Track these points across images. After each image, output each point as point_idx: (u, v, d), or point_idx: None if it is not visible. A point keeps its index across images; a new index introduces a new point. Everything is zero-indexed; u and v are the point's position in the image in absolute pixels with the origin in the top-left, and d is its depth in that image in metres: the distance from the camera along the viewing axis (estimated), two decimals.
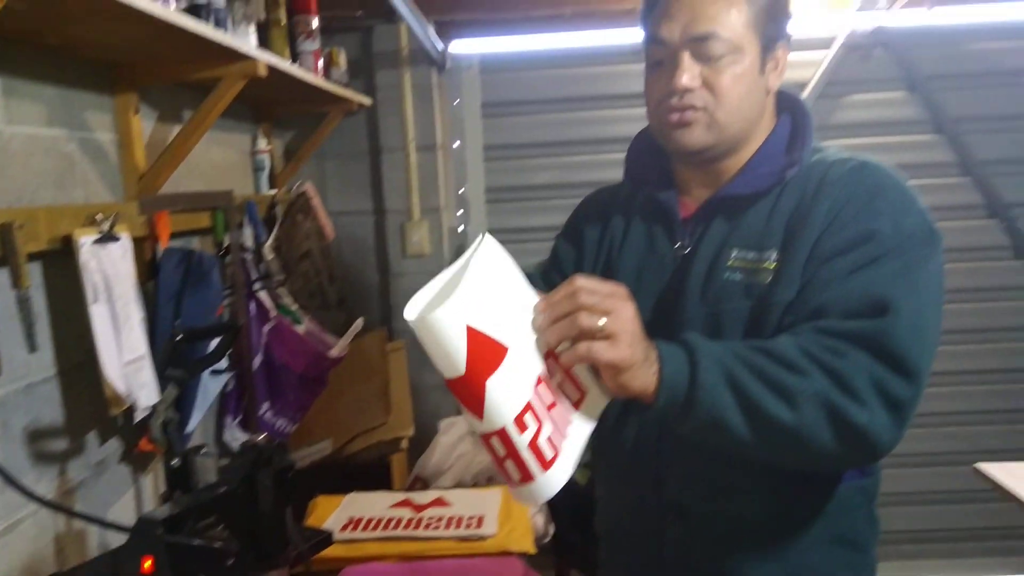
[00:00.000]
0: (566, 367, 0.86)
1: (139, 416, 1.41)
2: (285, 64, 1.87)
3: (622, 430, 1.11)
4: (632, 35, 2.60)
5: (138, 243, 1.53)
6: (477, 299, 0.78)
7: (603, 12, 2.61)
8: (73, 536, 1.39)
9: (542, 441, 0.81)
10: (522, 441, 0.80)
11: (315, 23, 2.17)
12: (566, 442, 0.85)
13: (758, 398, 0.87)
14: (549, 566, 2.24)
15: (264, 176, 2.40)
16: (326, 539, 1.17)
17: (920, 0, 2.46)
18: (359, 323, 2.25)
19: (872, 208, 0.98)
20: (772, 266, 1.00)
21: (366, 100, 2.59)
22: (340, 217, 2.73)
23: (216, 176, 2.12)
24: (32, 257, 1.27)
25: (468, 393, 0.79)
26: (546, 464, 0.81)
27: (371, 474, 2.18)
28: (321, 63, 2.23)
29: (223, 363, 1.47)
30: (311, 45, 2.16)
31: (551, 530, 2.12)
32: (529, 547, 1.66)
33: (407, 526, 1.71)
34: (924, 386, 0.92)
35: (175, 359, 1.23)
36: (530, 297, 0.87)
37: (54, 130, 1.41)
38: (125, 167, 1.61)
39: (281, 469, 1.06)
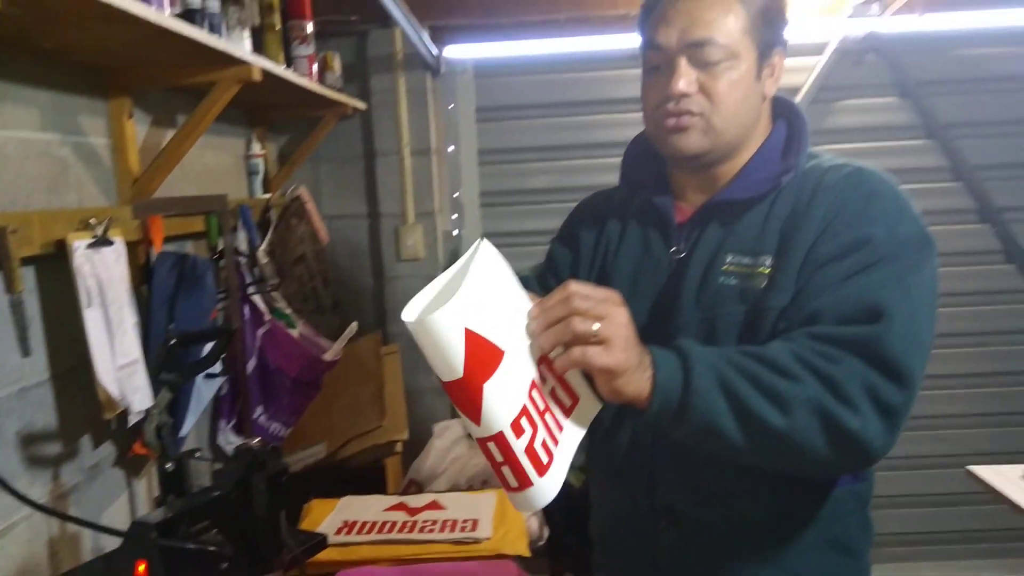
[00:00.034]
0: (560, 372, 0.86)
1: (133, 420, 1.41)
2: (279, 69, 1.88)
3: (616, 435, 1.12)
4: (626, 40, 2.62)
5: (132, 247, 1.52)
6: (476, 302, 0.79)
7: (597, 18, 2.63)
8: (67, 540, 1.39)
9: (538, 446, 0.81)
10: (519, 446, 0.80)
11: (309, 28, 2.18)
12: (559, 448, 0.85)
13: (751, 404, 0.87)
14: (543, 569, 2.25)
15: (258, 180, 2.40)
16: (320, 543, 1.17)
17: (912, 6, 2.48)
18: (353, 327, 2.25)
19: (867, 214, 0.98)
20: (767, 271, 1.01)
21: (361, 104, 2.60)
22: (334, 221, 2.74)
23: (210, 180, 2.12)
24: (26, 261, 1.27)
25: (465, 397, 0.79)
26: (542, 469, 0.82)
27: (365, 478, 2.18)
28: (316, 67, 2.23)
29: (217, 367, 1.47)
30: (306, 50, 2.17)
31: (546, 533, 2.12)
32: (524, 550, 1.66)
33: (401, 529, 1.71)
34: (917, 392, 0.92)
35: (169, 363, 1.23)
36: (525, 302, 0.87)
37: (48, 134, 1.41)
38: (119, 171, 1.61)
39: (275, 473, 1.06)
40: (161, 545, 0.92)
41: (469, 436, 2.37)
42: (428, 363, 0.79)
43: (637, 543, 1.13)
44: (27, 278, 1.30)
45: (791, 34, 1.10)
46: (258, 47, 1.90)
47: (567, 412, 0.88)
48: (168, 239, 1.67)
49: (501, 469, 0.82)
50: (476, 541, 1.65)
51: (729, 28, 1.01)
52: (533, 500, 0.82)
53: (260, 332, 2.04)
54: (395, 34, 2.64)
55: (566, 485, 0.85)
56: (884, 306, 0.92)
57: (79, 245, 1.32)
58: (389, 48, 2.67)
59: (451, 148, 2.83)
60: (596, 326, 0.83)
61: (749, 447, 0.89)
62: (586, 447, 0.90)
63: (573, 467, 0.86)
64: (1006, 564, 2.86)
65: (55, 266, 1.33)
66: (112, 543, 1.00)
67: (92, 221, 1.37)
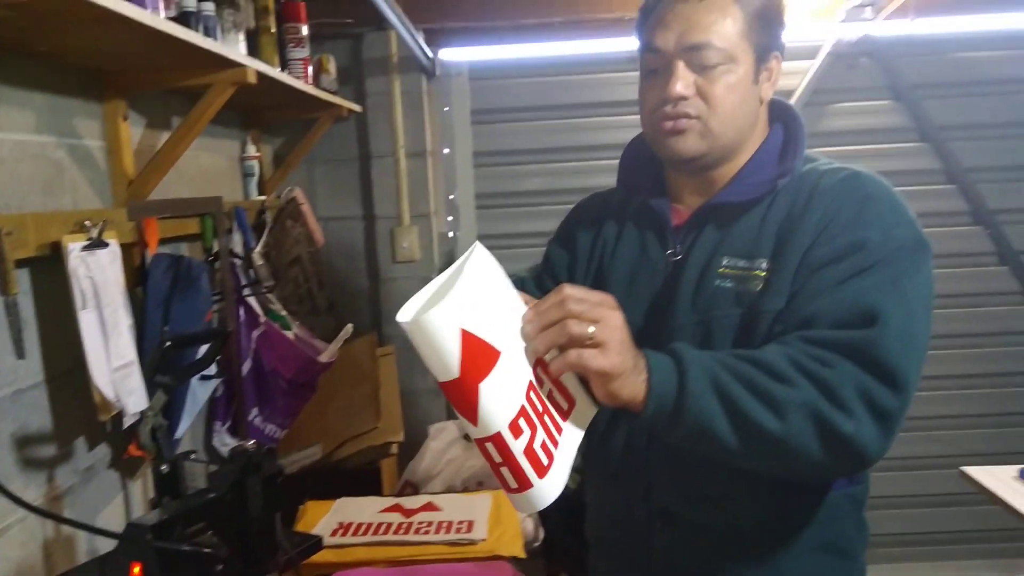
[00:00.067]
0: (555, 375, 0.86)
1: (128, 422, 1.41)
2: (274, 71, 1.88)
3: (611, 437, 1.12)
4: (620, 44, 2.63)
5: (127, 249, 1.53)
6: (471, 302, 0.79)
7: (591, 21, 2.63)
8: (62, 542, 1.39)
9: (537, 447, 0.81)
10: (517, 447, 0.80)
11: (304, 30, 2.18)
12: (559, 450, 0.85)
13: (746, 407, 0.87)
14: (539, 571, 2.24)
15: (253, 182, 2.40)
16: (315, 544, 1.18)
17: (904, 10, 2.49)
18: (349, 328, 2.25)
19: (862, 218, 0.99)
20: (762, 274, 1.01)
21: (356, 107, 2.60)
22: (330, 222, 2.74)
23: (205, 182, 2.12)
24: (20, 263, 1.27)
25: (462, 397, 0.79)
26: (543, 471, 0.82)
27: (361, 479, 2.18)
28: (311, 70, 2.23)
29: (212, 369, 1.47)
30: (301, 52, 2.17)
31: (541, 534, 2.12)
32: (519, 551, 1.66)
33: (397, 531, 1.72)
34: (912, 396, 0.92)
35: (164, 365, 1.23)
36: (520, 305, 0.88)
37: (43, 136, 1.41)
38: (114, 173, 1.61)
39: (270, 475, 1.06)
40: (156, 547, 0.92)
41: (465, 438, 2.38)
42: (424, 364, 0.79)
43: (632, 545, 1.14)
44: (22, 280, 1.30)
45: (787, 38, 1.10)
46: (253, 50, 1.90)
47: (565, 415, 0.88)
48: (163, 241, 1.67)
49: (500, 470, 0.82)
50: (472, 543, 1.65)
51: (727, 32, 1.01)
52: (533, 501, 0.82)
53: (255, 334, 2.04)
54: (390, 37, 2.65)
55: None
56: (879, 310, 0.92)
57: (74, 247, 1.32)
58: (384, 51, 2.67)
59: (446, 150, 2.83)
60: (591, 329, 0.83)
61: (743, 451, 0.90)
62: (582, 449, 0.90)
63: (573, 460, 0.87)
64: (1000, 564, 2.87)
65: (50, 268, 1.32)
66: (107, 545, 1.00)
67: (87, 223, 1.37)
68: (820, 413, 0.88)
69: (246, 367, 2.01)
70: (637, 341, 0.90)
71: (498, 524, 1.73)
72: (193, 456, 1.16)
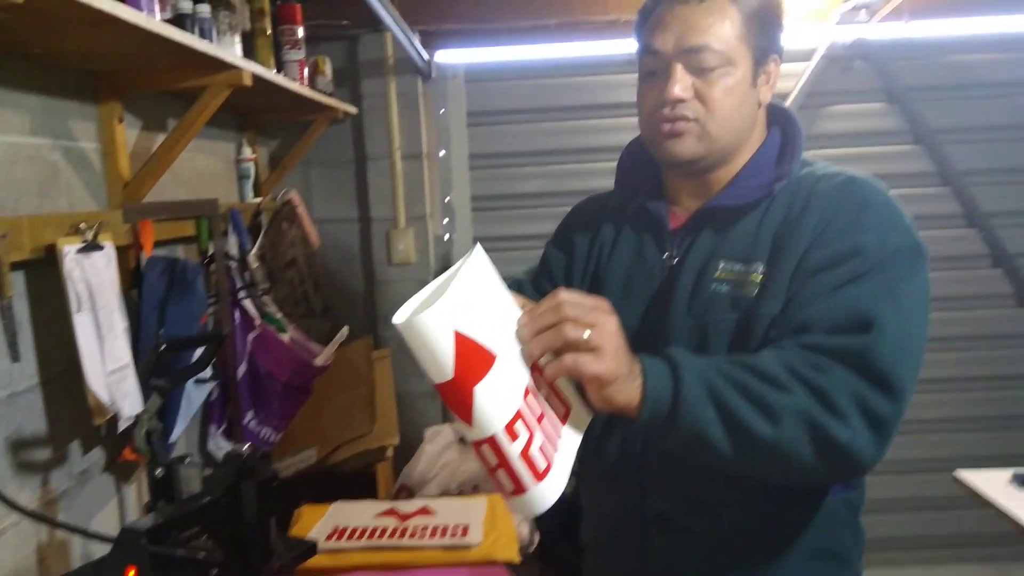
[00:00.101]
0: (550, 380, 0.86)
1: (123, 426, 1.40)
2: (270, 73, 1.88)
3: (607, 441, 1.12)
4: (615, 46, 2.63)
5: (122, 252, 1.52)
6: (465, 305, 0.79)
7: (587, 23, 2.64)
8: (56, 546, 1.38)
9: (534, 451, 0.81)
10: (513, 450, 0.80)
11: (300, 32, 2.18)
12: (557, 454, 0.85)
13: (740, 414, 0.87)
14: (534, 575, 2.24)
15: (249, 184, 2.40)
16: (310, 549, 1.17)
17: (898, 13, 2.50)
18: (344, 331, 2.25)
19: (859, 223, 0.99)
20: (759, 279, 1.01)
21: (352, 109, 2.60)
22: (325, 225, 2.74)
23: (201, 184, 2.11)
24: (15, 266, 1.27)
25: (457, 399, 0.79)
26: (539, 475, 0.81)
27: (356, 483, 2.18)
28: (306, 72, 2.23)
29: (207, 372, 1.47)
30: (296, 54, 2.17)
31: (536, 539, 2.12)
32: (514, 556, 1.66)
33: (392, 535, 1.71)
34: (907, 403, 0.92)
35: (159, 368, 1.23)
36: (515, 309, 0.88)
37: (38, 139, 1.40)
38: (109, 176, 1.60)
39: (265, 479, 1.06)
40: (151, 551, 0.92)
41: (461, 441, 2.38)
42: (420, 365, 0.79)
43: (628, 550, 1.14)
44: (17, 283, 1.29)
45: (785, 41, 1.10)
46: (249, 52, 1.90)
47: (562, 420, 0.88)
48: (158, 243, 1.67)
49: (496, 473, 0.82)
50: (467, 547, 1.65)
51: (725, 35, 1.01)
52: (531, 505, 0.82)
53: (251, 337, 2.04)
54: (386, 39, 2.65)
55: None
56: (875, 316, 0.92)
57: (69, 250, 1.32)
58: (380, 53, 2.67)
59: (442, 152, 2.83)
60: (587, 333, 0.83)
61: (738, 457, 0.89)
62: (578, 453, 0.90)
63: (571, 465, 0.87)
64: (993, 569, 2.87)
65: (45, 271, 1.32)
66: (101, 549, 0.99)
67: (82, 226, 1.37)
68: (815, 420, 0.88)
69: (241, 370, 2.01)
70: (633, 345, 0.90)
71: (493, 528, 1.73)
72: (188, 460, 1.16)
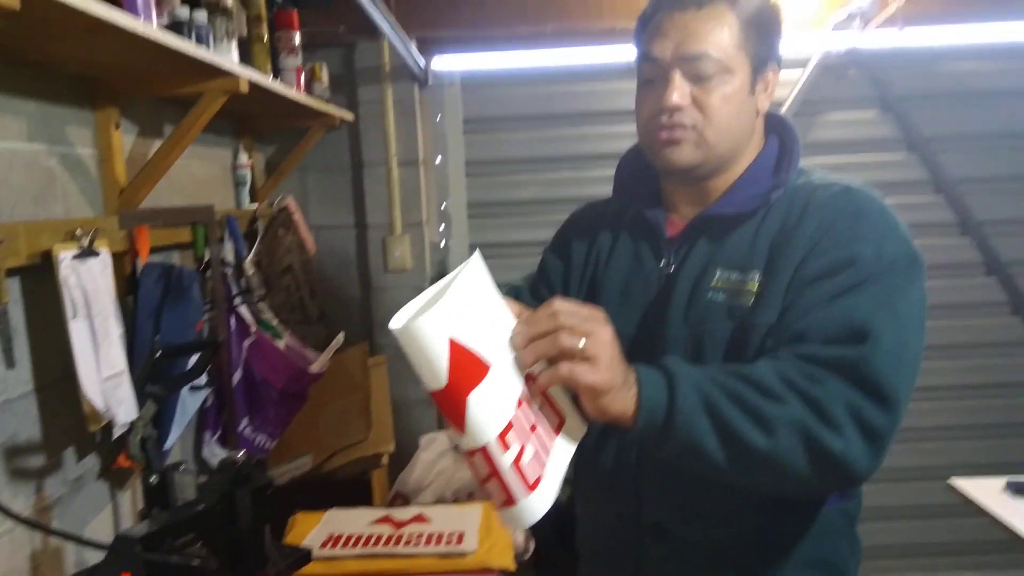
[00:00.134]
0: (544, 387, 0.86)
1: (117, 432, 1.40)
2: (267, 80, 1.88)
3: (602, 450, 1.12)
4: (612, 53, 2.64)
5: (118, 258, 1.52)
6: (460, 312, 0.79)
7: (583, 31, 2.65)
8: (50, 554, 1.38)
9: (525, 462, 0.81)
10: (505, 461, 0.80)
11: (297, 39, 2.18)
12: (548, 467, 0.84)
13: (735, 424, 0.87)
14: None
15: (245, 190, 2.40)
16: (305, 556, 1.17)
17: (893, 21, 2.51)
18: (340, 338, 2.25)
19: (855, 233, 0.99)
20: (755, 288, 1.01)
21: (348, 115, 2.60)
22: (322, 231, 2.73)
23: (197, 190, 2.11)
24: (11, 272, 1.26)
25: (450, 407, 0.79)
26: (530, 487, 0.81)
27: (351, 490, 2.17)
28: (303, 78, 2.23)
29: (202, 379, 1.47)
30: (293, 61, 2.18)
31: (531, 546, 2.12)
32: (509, 563, 1.66)
33: (387, 543, 1.71)
34: (903, 414, 0.92)
35: (154, 375, 1.23)
36: (511, 321, 0.88)
37: (34, 145, 1.40)
38: (105, 182, 1.60)
39: (260, 486, 1.06)
40: (145, 559, 0.92)
41: (455, 449, 2.38)
42: (415, 372, 0.79)
43: (623, 559, 1.13)
44: (12, 289, 1.29)
45: (783, 49, 1.11)
46: (246, 58, 1.90)
47: (555, 432, 0.88)
48: (154, 250, 1.67)
49: (486, 484, 0.82)
50: (462, 554, 1.65)
51: (724, 43, 1.02)
52: (520, 517, 0.82)
53: (246, 343, 2.04)
54: (383, 46, 2.65)
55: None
56: (870, 327, 0.92)
57: (65, 256, 1.32)
58: (377, 59, 2.68)
59: (439, 159, 2.83)
60: (582, 342, 0.83)
61: (732, 467, 0.89)
62: (573, 461, 0.90)
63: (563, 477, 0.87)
64: None
65: (40, 277, 1.32)
66: (95, 557, 0.99)
67: (78, 232, 1.37)
68: (809, 431, 0.88)
69: (236, 377, 2.01)
70: (630, 352, 0.90)
71: (488, 536, 1.72)
72: (182, 467, 1.16)
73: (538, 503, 0.82)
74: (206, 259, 1.89)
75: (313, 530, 1.79)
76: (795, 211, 1.03)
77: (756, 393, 0.88)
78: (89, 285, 1.35)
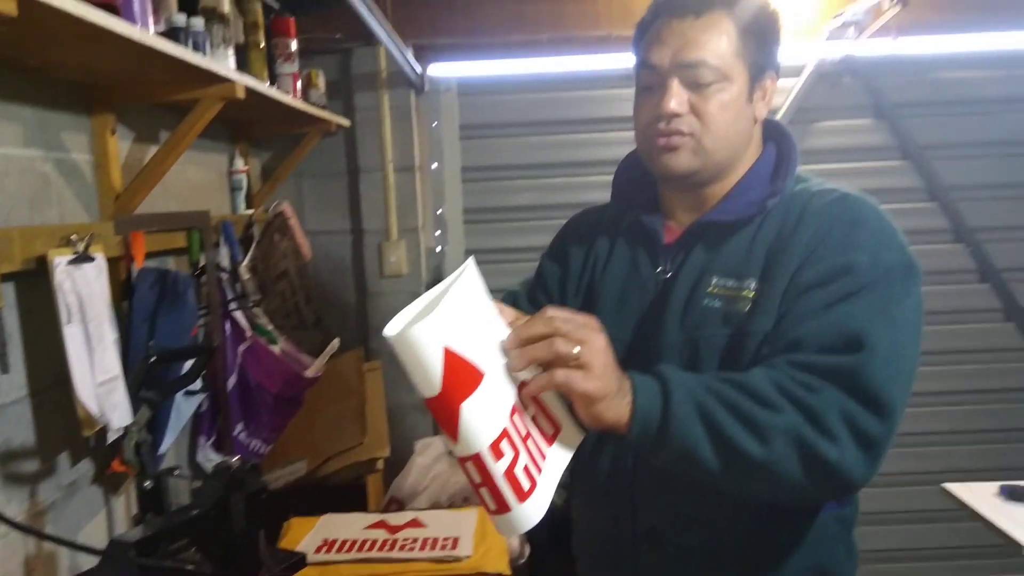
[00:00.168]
0: (536, 393, 0.86)
1: (112, 437, 1.40)
2: (263, 87, 1.88)
3: (598, 456, 1.12)
4: (607, 61, 2.65)
5: (113, 263, 1.52)
6: (455, 320, 0.79)
7: (578, 38, 2.66)
8: (43, 559, 1.38)
9: (519, 471, 0.81)
10: (498, 469, 0.80)
11: (294, 46, 2.19)
12: (542, 475, 0.84)
13: (729, 432, 0.87)
14: None
15: (241, 196, 2.40)
16: (299, 561, 1.17)
17: (887, 30, 2.53)
18: (335, 343, 2.25)
19: (851, 241, 0.99)
20: (751, 295, 1.01)
21: (344, 121, 2.61)
22: (317, 237, 2.74)
23: (193, 196, 2.11)
24: (6, 277, 1.26)
25: (444, 415, 0.79)
26: (523, 495, 0.81)
27: (346, 495, 2.17)
28: (300, 85, 2.24)
29: (197, 384, 1.47)
30: (290, 67, 2.18)
31: (527, 551, 2.12)
32: (504, 568, 1.66)
33: (382, 548, 1.71)
34: (898, 422, 0.92)
35: (149, 380, 1.23)
36: (504, 329, 0.88)
37: (30, 150, 1.40)
38: (101, 187, 1.60)
39: (254, 491, 1.06)
40: (139, 564, 0.92)
41: (451, 454, 2.38)
42: (409, 379, 0.79)
43: (619, 564, 1.13)
44: (7, 294, 1.29)
45: (782, 57, 1.11)
46: (242, 65, 1.91)
47: (550, 440, 0.88)
48: (150, 255, 1.67)
49: (479, 491, 0.82)
50: (457, 559, 1.65)
51: (722, 50, 1.02)
52: (512, 525, 0.82)
53: (241, 348, 2.04)
54: (379, 52, 2.66)
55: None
56: (866, 336, 0.92)
57: (60, 261, 1.32)
58: (373, 66, 2.69)
59: (435, 165, 2.84)
60: (576, 349, 0.83)
61: (727, 474, 0.90)
62: (569, 466, 0.90)
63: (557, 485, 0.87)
64: None
65: (35, 282, 1.32)
66: (89, 562, 0.99)
67: (73, 237, 1.37)
68: (804, 439, 0.88)
69: (231, 382, 2.01)
70: (625, 358, 0.90)
71: (483, 540, 1.72)
72: (177, 472, 1.16)
73: (531, 511, 0.82)
74: (201, 264, 1.89)
75: (308, 535, 1.79)
76: (791, 218, 1.03)
77: (751, 401, 0.88)
78: (84, 290, 1.35)
